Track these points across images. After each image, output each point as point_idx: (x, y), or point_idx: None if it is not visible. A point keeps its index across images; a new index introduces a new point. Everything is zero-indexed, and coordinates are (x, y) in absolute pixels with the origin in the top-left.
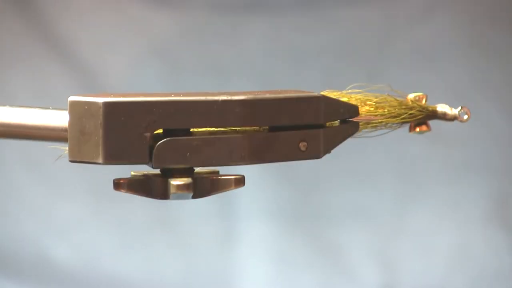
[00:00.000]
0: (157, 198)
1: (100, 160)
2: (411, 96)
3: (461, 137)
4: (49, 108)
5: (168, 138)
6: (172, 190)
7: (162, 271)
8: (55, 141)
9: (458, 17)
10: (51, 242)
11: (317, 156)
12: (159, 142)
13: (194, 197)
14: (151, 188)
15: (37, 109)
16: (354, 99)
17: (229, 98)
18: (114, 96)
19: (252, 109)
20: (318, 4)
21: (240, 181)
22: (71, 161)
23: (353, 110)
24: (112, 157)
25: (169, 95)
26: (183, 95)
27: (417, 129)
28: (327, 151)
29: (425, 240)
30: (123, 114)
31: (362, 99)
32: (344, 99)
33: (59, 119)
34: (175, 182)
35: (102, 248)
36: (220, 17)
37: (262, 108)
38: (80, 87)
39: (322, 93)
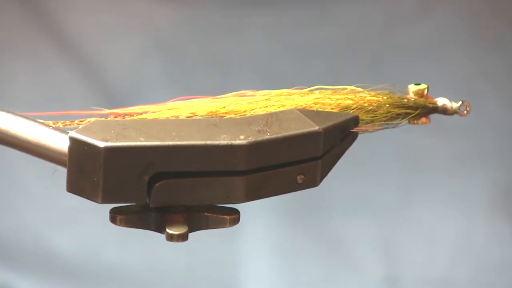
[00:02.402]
0: (152, 231)
1: (99, 200)
2: (412, 89)
3: (465, 128)
4: (50, 127)
5: (166, 180)
6: (167, 238)
7: (164, 263)
8: (53, 162)
9: (459, 10)
10: (53, 234)
11: (314, 185)
12: (157, 184)
13: (188, 232)
14: (147, 222)
15: (39, 125)
16: (354, 97)
17: (229, 143)
18: (116, 134)
19: (252, 152)
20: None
21: (235, 220)
22: (69, 192)
23: (354, 122)
24: (110, 198)
25: (170, 134)
26: (184, 133)
27: (416, 122)
28: (324, 176)
29: (429, 231)
30: (123, 159)
31: (362, 97)
32: (348, 101)
33: (60, 142)
34: (170, 231)
35: (104, 240)
36: (223, 11)
37: (263, 150)
38: (84, 81)
39: (320, 92)
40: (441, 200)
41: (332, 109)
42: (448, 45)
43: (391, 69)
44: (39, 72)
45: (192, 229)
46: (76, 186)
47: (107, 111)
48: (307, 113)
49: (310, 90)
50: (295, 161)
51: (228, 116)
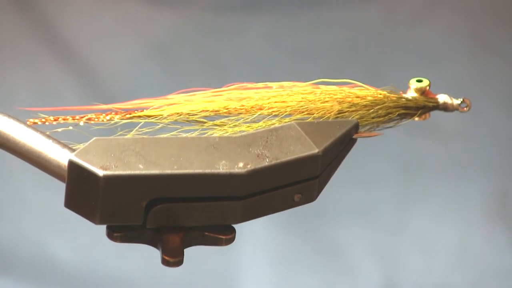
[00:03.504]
0: (149, 245)
1: (96, 222)
2: (413, 86)
3: (463, 135)
4: (50, 139)
5: (163, 204)
6: (163, 263)
7: (163, 271)
8: (51, 175)
9: (458, 15)
10: (51, 241)
11: (311, 201)
12: (154, 208)
13: (183, 255)
14: (144, 238)
15: (41, 136)
16: (356, 94)
17: (228, 172)
18: (115, 160)
19: (250, 180)
20: (318, 3)
21: (230, 240)
22: (66, 208)
23: (354, 129)
24: (107, 220)
25: (169, 159)
26: (183, 159)
27: (416, 119)
28: (321, 190)
29: (427, 238)
30: (121, 186)
31: (364, 96)
32: (349, 99)
33: (60, 157)
34: (166, 257)
35: (102, 247)
36: (220, 15)
37: (261, 177)
38: (82, 84)
39: (322, 92)
40: (439, 207)
41: (333, 106)
42: (446, 49)
43: (389, 72)
44: (37, 75)
45: (187, 245)
46: (73, 204)
47: (107, 106)
48: (307, 128)
49: (313, 83)
50: (292, 182)
51: (231, 115)
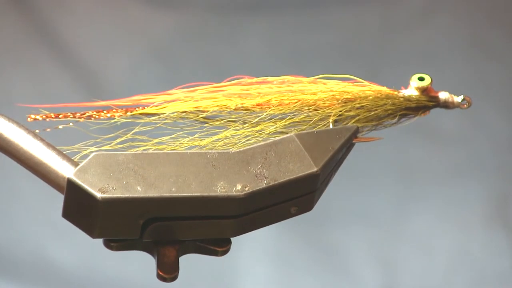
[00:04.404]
0: (145, 252)
1: (93, 236)
2: (415, 84)
3: (461, 138)
4: (50, 148)
5: (160, 222)
6: (158, 278)
7: None
8: (49, 184)
9: (457, 18)
10: (51, 244)
11: (308, 211)
12: (152, 225)
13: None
14: (140, 246)
15: (42, 145)
16: (356, 95)
17: (225, 195)
18: (114, 181)
19: (248, 201)
20: (318, 4)
21: (225, 252)
22: (64, 218)
23: (354, 135)
24: (104, 235)
25: (168, 181)
26: (182, 180)
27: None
28: (318, 199)
29: (426, 242)
30: (120, 208)
31: (361, 93)
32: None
33: (60, 168)
34: (161, 273)
35: (102, 250)
36: (220, 17)
37: (259, 198)
38: (80, 87)
39: (321, 91)
40: (438, 210)
41: (335, 107)
42: (445, 53)
43: (388, 75)
44: (38, 77)
45: (183, 253)
46: (72, 216)
47: (107, 102)
48: (306, 140)
49: (315, 79)
50: (290, 198)
51: (239, 111)
